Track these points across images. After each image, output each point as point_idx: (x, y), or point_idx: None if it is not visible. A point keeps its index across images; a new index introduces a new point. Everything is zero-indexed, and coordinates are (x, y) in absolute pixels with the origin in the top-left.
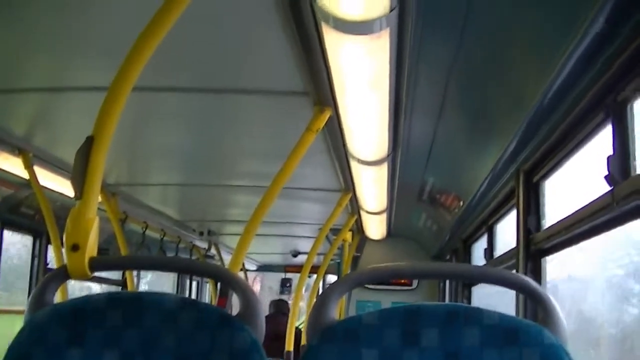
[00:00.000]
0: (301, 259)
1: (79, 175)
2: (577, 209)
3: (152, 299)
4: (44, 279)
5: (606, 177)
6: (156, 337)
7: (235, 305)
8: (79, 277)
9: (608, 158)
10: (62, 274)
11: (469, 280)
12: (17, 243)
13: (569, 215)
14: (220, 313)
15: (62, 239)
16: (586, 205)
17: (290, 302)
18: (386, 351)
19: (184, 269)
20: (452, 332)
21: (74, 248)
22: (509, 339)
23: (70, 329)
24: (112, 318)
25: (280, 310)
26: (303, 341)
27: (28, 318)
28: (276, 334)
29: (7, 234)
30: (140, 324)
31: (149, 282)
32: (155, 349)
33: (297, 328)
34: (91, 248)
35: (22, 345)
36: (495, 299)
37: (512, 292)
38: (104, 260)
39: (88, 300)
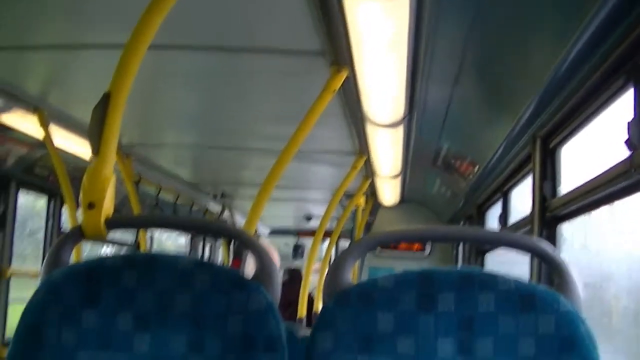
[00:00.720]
0: (314, 224)
1: (96, 132)
2: (594, 176)
3: (167, 260)
4: (60, 239)
5: (626, 142)
6: (171, 298)
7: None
8: (94, 236)
9: (628, 123)
10: (78, 234)
11: (483, 244)
12: None
13: (585, 182)
14: (236, 275)
15: (77, 201)
16: (603, 171)
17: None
18: (401, 315)
19: (201, 229)
20: (467, 297)
21: (90, 206)
22: (524, 305)
23: (86, 290)
24: (126, 279)
25: (294, 278)
26: (315, 308)
27: (44, 278)
28: (290, 302)
29: None
30: (154, 285)
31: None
32: (170, 310)
33: (309, 294)
34: (107, 207)
35: (38, 305)
36: (507, 269)
37: (526, 263)
38: (120, 219)
39: (103, 261)
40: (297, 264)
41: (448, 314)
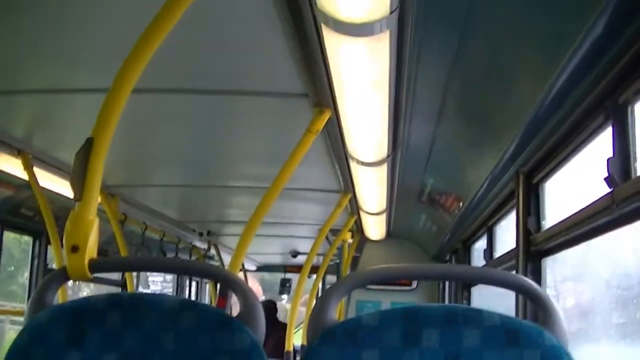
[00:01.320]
0: (301, 259)
1: (79, 177)
2: (577, 211)
3: (152, 299)
4: (44, 280)
5: (606, 179)
6: (156, 338)
7: (235, 304)
8: (78, 278)
9: (608, 160)
10: (62, 275)
11: (468, 281)
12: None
13: (568, 217)
14: (220, 314)
15: (62, 240)
16: (586, 206)
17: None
18: (386, 352)
19: (184, 270)
20: (452, 333)
21: (74, 249)
22: (509, 340)
23: (71, 330)
24: (112, 319)
25: (269, 309)
26: (303, 341)
27: (28, 319)
28: (267, 333)
29: None
30: (140, 325)
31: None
32: (155, 350)
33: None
34: (91, 249)
35: (22, 346)
36: (495, 300)
37: (512, 292)
38: (103, 261)
39: (88, 301)
40: (283, 297)
41: (433, 350)
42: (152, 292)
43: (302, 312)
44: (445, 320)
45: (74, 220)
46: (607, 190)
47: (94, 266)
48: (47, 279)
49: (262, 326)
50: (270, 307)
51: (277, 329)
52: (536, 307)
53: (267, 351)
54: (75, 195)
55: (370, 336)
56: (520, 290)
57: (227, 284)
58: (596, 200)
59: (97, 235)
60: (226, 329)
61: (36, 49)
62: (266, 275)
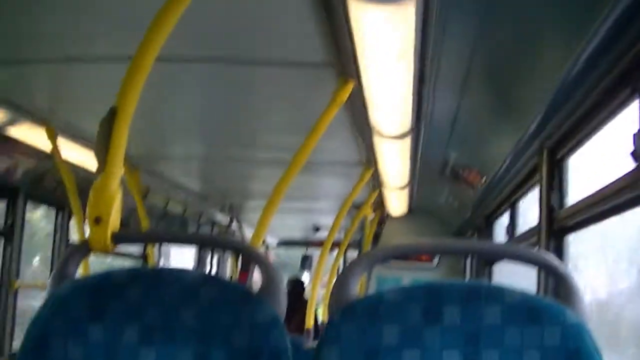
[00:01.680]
0: (322, 235)
1: (102, 147)
2: (601, 187)
3: (173, 274)
4: (67, 253)
5: (632, 154)
6: (177, 312)
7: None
8: (101, 250)
9: (634, 134)
10: (85, 248)
11: (490, 257)
12: None
13: (593, 193)
14: (241, 289)
15: (84, 213)
16: (610, 182)
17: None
18: (407, 328)
19: (207, 243)
20: (473, 311)
21: (97, 221)
22: (530, 318)
23: (92, 304)
24: (133, 293)
25: (296, 288)
26: (322, 319)
27: (50, 292)
28: (293, 311)
29: None
30: (161, 299)
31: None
32: (176, 324)
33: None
34: (114, 221)
35: (44, 319)
36: (517, 278)
37: (533, 271)
38: (126, 233)
39: (109, 275)
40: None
41: (454, 327)
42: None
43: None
44: (467, 298)
45: (97, 191)
46: (632, 166)
47: (117, 238)
48: (69, 251)
49: (284, 301)
50: (298, 284)
51: (304, 305)
52: (558, 284)
53: (293, 327)
54: (99, 166)
55: (391, 312)
56: (543, 267)
57: (250, 257)
58: (621, 176)
59: (119, 207)
60: (247, 303)
61: (58, 17)
62: (281, 252)
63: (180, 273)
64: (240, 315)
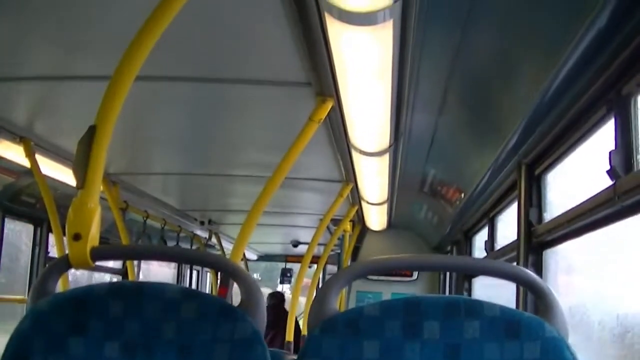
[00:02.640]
0: (302, 249)
1: (81, 164)
2: (578, 203)
3: (154, 288)
4: (46, 269)
5: (608, 172)
6: (158, 327)
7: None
8: (80, 266)
9: (610, 152)
10: (64, 264)
11: (469, 272)
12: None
13: (570, 209)
14: (222, 303)
15: (63, 228)
16: (588, 199)
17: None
18: (387, 343)
19: (186, 259)
20: (453, 325)
21: (76, 237)
22: (510, 332)
23: (72, 319)
24: (113, 308)
25: (277, 301)
26: (303, 332)
27: (29, 307)
28: (275, 324)
29: None
30: (141, 314)
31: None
32: (157, 339)
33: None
34: (93, 237)
35: (23, 334)
36: (496, 290)
37: (513, 284)
38: (105, 249)
39: (90, 290)
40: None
41: (434, 341)
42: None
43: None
44: (447, 312)
45: (76, 208)
46: (609, 183)
47: (96, 254)
48: (49, 267)
49: (264, 315)
50: (279, 298)
51: (286, 319)
52: (537, 298)
53: (278, 341)
54: (77, 183)
55: (371, 327)
56: (521, 282)
57: (229, 273)
58: (598, 193)
59: (99, 223)
60: (228, 318)
61: (38, 36)
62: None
63: (161, 287)
64: (221, 330)
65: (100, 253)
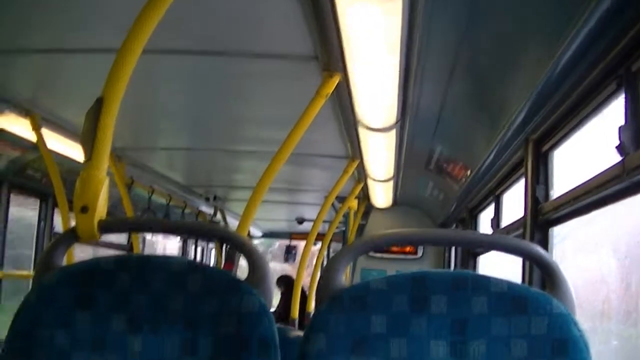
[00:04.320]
0: (306, 226)
1: (89, 136)
2: (586, 179)
3: (160, 261)
4: (53, 241)
5: (617, 147)
6: (164, 300)
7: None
8: (88, 238)
9: (620, 128)
10: (71, 236)
11: (476, 247)
12: None
13: (578, 186)
14: (229, 277)
15: (69, 203)
16: (596, 175)
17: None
18: (394, 317)
19: (194, 232)
20: (460, 300)
21: (84, 210)
22: (517, 307)
23: (79, 291)
24: (120, 281)
25: (289, 286)
26: (308, 309)
27: (36, 280)
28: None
29: None
30: (148, 286)
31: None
32: (163, 312)
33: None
34: (100, 210)
35: (30, 307)
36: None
37: (518, 266)
38: (113, 222)
39: (96, 263)
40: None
41: (441, 316)
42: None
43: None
44: (454, 287)
45: (83, 180)
46: (617, 159)
47: (104, 227)
48: (56, 240)
49: (271, 290)
50: (288, 282)
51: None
52: (544, 274)
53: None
54: (85, 155)
55: (378, 301)
56: (529, 257)
57: (237, 246)
58: (607, 169)
59: (106, 196)
60: (234, 291)
61: (44, 7)
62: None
63: (167, 260)
64: (228, 304)
65: (108, 226)
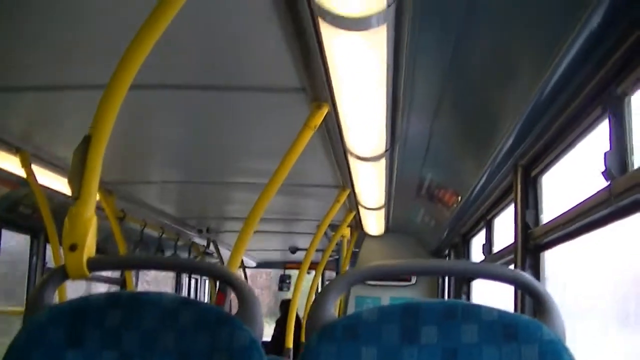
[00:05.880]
0: (300, 255)
1: (77, 174)
2: (575, 204)
3: (151, 298)
4: (43, 279)
5: (603, 173)
6: (155, 337)
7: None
8: (77, 276)
9: (605, 153)
10: (61, 274)
11: (467, 276)
12: None
13: (567, 210)
14: (219, 312)
15: (60, 238)
16: (584, 200)
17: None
18: (385, 349)
19: (182, 268)
20: (451, 329)
21: (72, 248)
22: (507, 335)
23: (70, 330)
24: (111, 318)
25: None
26: (303, 339)
27: (27, 318)
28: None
29: None
30: (139, 323)
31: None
32: (155, 349)
33: (297, 318)
34: (89, 247)
35: (21, 346)
36: (496, 292)
37: (511, 289)
38: (102, 259)
39: (87, 301)
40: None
41: (431, 346)
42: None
43: None
44: (445, 316)
45: (72, 218)
46: (605, 183)
47: (93, 264)
48: (45, 278)
49: (261, 323)
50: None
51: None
52: (535, 301)
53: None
54: (73, 193)
55: (369, 332)
56: (518, 285)
57: (225, 280)
58: (594, 194)
59: (95, 233)
60: (225, 326)
61: (32, 45)
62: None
63: (158, 297)
64: (219, 339)
65: (96, 263)
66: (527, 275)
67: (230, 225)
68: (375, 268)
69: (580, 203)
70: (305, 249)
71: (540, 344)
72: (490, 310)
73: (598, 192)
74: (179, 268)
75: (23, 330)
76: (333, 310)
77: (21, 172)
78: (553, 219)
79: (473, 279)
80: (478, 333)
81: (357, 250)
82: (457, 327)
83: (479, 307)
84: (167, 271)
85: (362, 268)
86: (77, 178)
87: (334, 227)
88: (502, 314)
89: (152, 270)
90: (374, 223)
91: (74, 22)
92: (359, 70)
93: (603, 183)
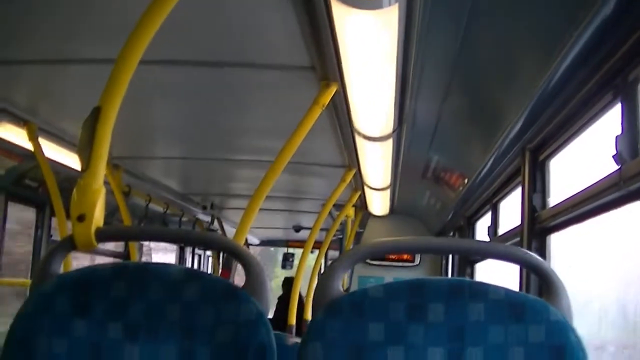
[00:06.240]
0: (304, 234)
1: (86, 146)
2: (583, 188)
3: (157, 269)
4: (50, 249)
5: (614, 156)
6: (161, 308)
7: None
8: (85, 247)
9: (617, 137)
10: (68, 244)
11: (473, 255)
12: None
13: (575, 194)
14: (225, 285)
15: (66, 211)
16: (593, 184)
17: None
18: (392, 325)
19: (191, 240)
20: (457, 307)
21: (80, 218)
22: (514, 314)
23: (76, 300)
24: (117, 289)
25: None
26: (305, 316)
27: (34, 288)
28: None
29: None
30: (145, 294)
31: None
32: (160, 320)
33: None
34: (97, 218)
35: (27, 315)
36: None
37: (516, 273)
38: (110, 230)
39: (93, 271)
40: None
41: (438, 323)
42: None
43: None
44: (451, 294)
45: (80, 189)
46: (614, 168)
47: (100, 235)
48: (53, 248)
49: (268, 297)
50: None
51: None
52: (541, 282)
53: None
54: (82, 165)
55: (375, 309)
56: (526, 265)
57: (233, 254)
58: (603, 178)
59: (103, 205)
60: (231, 299)
61: (42, 18)
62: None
63: (165, 268)
64: (225, 312)
65: (104, 234)
66: (535, 255)
67: (234, 202)
68: (381, 244)
69: (589, 186)
70: (309, 228)
71: (547, 324)
72: (497, 289)
73: (608, 175)
74: (186, 240)
75: (30, 299)
76: (340, 286)
77: (28, 145)
78: (561, 202)
79: (477, 260)
80: (484, 311)
81: (361, 230)
82: (464, 305)
83: (486, 286)
84: (174, 244)
85: (369, 244)
86: (86, 149)
87: (338, 206)
88: (509, 293)
89: (159, 242)
90: (379, 203)
91: None
92: (369, 50)
93: (611, 168)
